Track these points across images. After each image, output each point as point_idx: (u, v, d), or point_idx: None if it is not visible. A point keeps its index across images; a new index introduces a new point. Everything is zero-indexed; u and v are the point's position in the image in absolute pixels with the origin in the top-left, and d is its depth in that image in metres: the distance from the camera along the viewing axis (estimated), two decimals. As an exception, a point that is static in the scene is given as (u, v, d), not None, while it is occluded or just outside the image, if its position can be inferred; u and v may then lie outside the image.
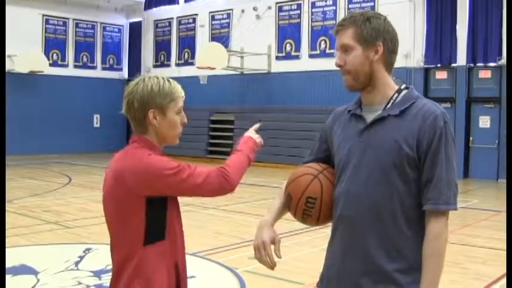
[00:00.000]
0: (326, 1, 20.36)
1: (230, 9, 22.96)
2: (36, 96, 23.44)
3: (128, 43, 27.21)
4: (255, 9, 21.78)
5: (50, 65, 23.52)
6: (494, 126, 17.01)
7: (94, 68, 25.96)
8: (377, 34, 2.40)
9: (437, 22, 17.88)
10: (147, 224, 2.45)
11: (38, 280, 6.30)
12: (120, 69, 27.00)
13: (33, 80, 23.18)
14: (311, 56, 20.69)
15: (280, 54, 21.56)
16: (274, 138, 20.43)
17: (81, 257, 7.17)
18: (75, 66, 25.28)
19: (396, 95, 2.44)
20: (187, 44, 24.65)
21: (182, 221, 2.64)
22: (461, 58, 17.46)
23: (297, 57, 21.10)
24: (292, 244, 8.15)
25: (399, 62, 17.67)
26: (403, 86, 2.48)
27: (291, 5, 21.29)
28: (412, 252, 2.36)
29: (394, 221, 2.35)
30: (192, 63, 23.36)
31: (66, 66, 24.97)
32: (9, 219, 9.15)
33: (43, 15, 24.17)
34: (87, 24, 25.75)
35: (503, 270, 6.73)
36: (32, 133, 23.02)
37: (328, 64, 18.94)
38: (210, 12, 23.74)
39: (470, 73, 17.49)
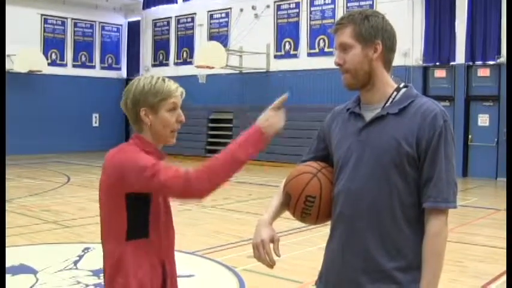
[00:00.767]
0: (324, 0, 20.35)
1: (229, 8, 22.94)
2: (35, 95, 23.43)
3: (126, 42, 27.20)
4: (253, 8, 21.78)
5: (49, 64, 23.50)
6: (493, 124, 17.01)
7: (93, 67, 25.94)
8: (376, 32, 2.40)
9: (436, 20, 17.87)
10: (128, 219, 2.48)
11: (37, 279, 6.30)
12: (119, 69, 26.98)
13: (31, 79, 23.17)
14: (310, 55, 20.68)
15: (278, 53, 21.56)
16: (273, 137, 20.40)
17: (80, 256, 7.17)
18: (74, 66, 25.26)
19: (395, 93, 2.44)
20: (186, 43, 24.64)
21: (173, 220, 2.65)
22: (460, 56, 17.46)
23: (295, 56, 21.09)
24: (291, 243, 8.15)
25: (398, 61, 17.74)
26: (401, 84, 2.48)
27: (290, 3, 21.28)
28: (412, 250, 2.36)
29: (393, 220, 2.35)
30: (190, 63, 23.36)
31: (65, 65, 24.95)
32: (8, 218, 9.14)
33: (41, 15, 24.15)
34: (85, 23, 25.73)
35: (503, 268, 6.74)
36: (30, 132, 23.00)
37: (327, 63, 18.96)
38: (209, 11, 23.72)
39: (469, 71, 17.49)
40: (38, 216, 10.33)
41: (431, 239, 2.33)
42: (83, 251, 7.51)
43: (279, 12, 21.55)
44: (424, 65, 18.18)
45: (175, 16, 25.05)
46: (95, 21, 26.02)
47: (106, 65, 26.47)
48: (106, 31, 26.56)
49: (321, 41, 20.35)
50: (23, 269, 6.73)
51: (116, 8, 26.51)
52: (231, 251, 7.91)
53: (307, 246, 8.08)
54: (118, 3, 26.30)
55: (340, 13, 19.12)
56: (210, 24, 23.73)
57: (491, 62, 16.97)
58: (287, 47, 21.33)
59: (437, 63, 17.98)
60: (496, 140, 16.84)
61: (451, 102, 17.32)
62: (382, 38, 2.41)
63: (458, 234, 9.03)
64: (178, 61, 24.83)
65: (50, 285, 6.13)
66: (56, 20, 24.69)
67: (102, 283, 2.68)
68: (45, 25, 24.37)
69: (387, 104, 2.42)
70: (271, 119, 2.49)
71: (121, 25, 27.07)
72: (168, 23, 25.42)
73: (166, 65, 25.29)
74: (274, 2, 21.62)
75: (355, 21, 2.40)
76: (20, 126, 22.35)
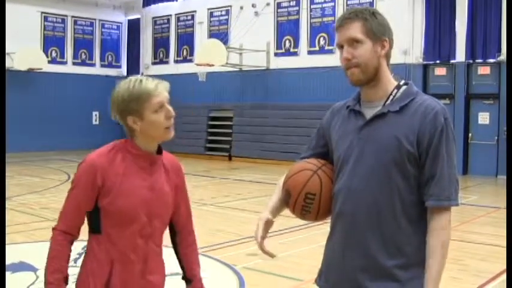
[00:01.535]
0: (325, -2, 20.34)
1: (229, 6, 22.92)
2: (35, 93, 23.40)
3: (126, 40, 27.16)
4: (253, 5, 21.75)
5: (49, 62, 23.47)
6: (494, 122, 16.99)
7: (93, 65, 25.91)
8: (384, 29, 2.42)
9: (436, 18, 17.85)
10: (88, 213, 2.57)
11: (37, 277, 6.30)
12: (119, 67, 26.95)
13: (31, 77, 23.15)
14: (310, 53, 20.65)
15: (279, 51, 21.53)
16: (273, 135, 20.43)
17: (80, 254, 7.08)
18: (74, 64, 25.23)
19: (396, 90, 2.44)
20: (186, 41, 24.62)
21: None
22: (460, 54, 17.44)
23: (295, 53, 21.07)
24: (290, 241, 8.15)
25: (398, 59, 17.73)
26: (402, 82, 2.47)
27: (290, 1, 21.25)
28: (412, 248, 2.36)
29: (393, 217, 2.35)
30: (190, 60, 23.33)
31: (65, 63, 24.92)
32: (8, 216, 9.13)
33: (41, 13, 24.12)
34: (85, 21, 25.70)
35: (503, 266, 6.73)
36: (30, 130, 22.98)
37: (327, 61, 18.97)
38: (209, 9, 23.69)
39: (469, 69, 17.47)
40: (38, 214, 10.32)
41: (434, 238, 2.33)
42: (82, 248, 7.46)
43: (279, 10, 21.52)
44: (424, 62, 18.15)
45: (175, 14, 25.02)
46: (95, 19, 25.99)
47: (106, 63, 26.44)
48: (106, 29, 26.54)
49: (321, 38, 20.32)
50: (23, 266, 6.73)
51: (116, 5, 26.48)
52: (231, 249, 7.91)
53: (307, 244, 8.07)
54: (118, 1, 26.27)
55: (340, 11, 19.09)
56: (210, 22, 23.70)
57: (491, 60, 16.95)
58: (287, 44, 21.31)
59: (438, 61, 17.96)
60: (496, 138, 16.83)
61: (451, 101, 17.30)
62: (388, 35, 2.43)
63: (459, 232, 9.02)
64: (178, 59, 24.80)
65: (50, 283, 6.12)
66: (56, 18, 24.66)
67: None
68: (45, 23, 24.35)
69: (388, 102, 2.42)
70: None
71: (121, 23, 27.04)
72: (168, 21, 25.39)
73: (166, 62, 25.27)
74: (274, -1, 21.62)
75: (364, 17, 2.40)
76: (20, 124, 22.32)
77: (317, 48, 20.45)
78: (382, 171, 2.35)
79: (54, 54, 24.53)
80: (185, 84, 23.53)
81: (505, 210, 10.10)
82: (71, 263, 2.62)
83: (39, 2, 23.73)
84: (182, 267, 2.85)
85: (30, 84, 23.27)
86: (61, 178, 15.70)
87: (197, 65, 20.70)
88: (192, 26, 24.38)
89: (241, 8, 22.14)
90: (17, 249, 7.62)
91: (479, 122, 17.39)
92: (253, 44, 21.41)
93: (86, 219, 2.60)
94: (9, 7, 19.10)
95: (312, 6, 20.63)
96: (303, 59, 20.69)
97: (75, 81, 24.67)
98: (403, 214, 2.35)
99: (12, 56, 21.95)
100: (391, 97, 2.42)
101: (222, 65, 20.55)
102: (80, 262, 2.66)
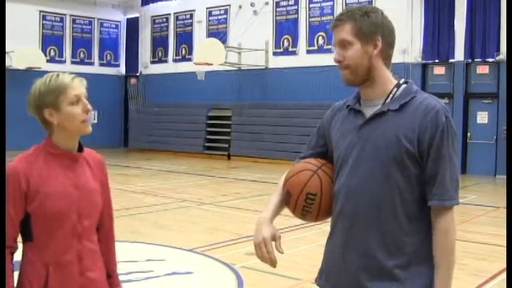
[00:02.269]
0: (324, -3, 20.33)
1: (227, 5, 22.91)
2: (34, 92, 23.39)
3: (125, 39, 27.14)
4: (252, 4, 21.74)
5: (47, 61, 23.42)
6: (492, 121, 17.00)
7: (91, 64, 25.89)
8: (376, 29, 2.38)
9: (435, 17, 17.85)
10: (21, 220, 2.54)
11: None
12: (118, 65, 26.93)
13: (30, 76, 22.66)
14: (308, 52, 20.65)
15: (277, 50, 21.53)
16: (272, 134, 20.42)
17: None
18: (73, 63, 25.19)
19: (395, 89, 2.42)
20: (185, 40, 24.60)
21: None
22: (459, 53, 17.45)
23: (294, 53, 21.07)
24: (290, 240, 8.13)
25: (397, 58, 17.71)
26: (402, 81, 2.46)
27: (289, 0, 21.25)
28: (413, 247, 2.35)
29: (394, 217, 2.34)
30: (189, 59, 23.33)
31: (64, 62, 24.89)
32: (6, 215, 9.12)
33: (40, 12, 24.10)
34: (84, 20, 25.68)
35: (502, 266, 6.73)
36: (29, 129, 22.90)
37: (326, 60, 18.95)
38: (207, 8, 23.68)
39: (468, 68, 17.48)
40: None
41: (441, 238, 2.34)
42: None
43: (277, 9, 21.52)
44: (423, 62, 18.16)
45: (174, 13, 25.01)
46: (93, 18, 25.97)
47: (105, 62, 26.43)
48: (105, 28, 26.52)
49: (320, 37, 20.32)
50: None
51: (115, 4, 26.46)
52: (229, 248, 7.90)
53: (306, 243, 8.07)
54: (117, 0, 26.25)
55: (339, 10, 19.08)
56: (209, 21, 23.69)
57: (490, 60, 16.96)
58: (286, 43, 21.31)
59: (437, 61, 17.97)
60: (495, 137, 16.84)
61: (450, 100, 17.31)
62: (382, 34, 2.39)
63: (458, 231, 8.81)
64: (177, 58, 24.79)
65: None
66: (55, 17, 24.64)
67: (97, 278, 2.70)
68: (44, 22, 24.33)
69: (387, 100, 2.40)
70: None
71: (120, 22, 27.02)
72: (167, 20, 25.38)
73: (165, 61, 25.26)
74: (273, -2, 21.62)
75: (354, 17, 2.38)
76: (20, 123, 22.25)
77: (316, 47, 20.45)
78: (382, 170, 2.34)
79: (52, 53, 24.51)
80: (184, 83, 23.54)
81: (504, 209, 10.11)
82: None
83: (37, 1, 23.71)
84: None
85: (29, 83, 22.80)
86: (59, 177, 15.66)
87: (196, 64, 20.70)
88: (191, 25, 24.38)
89: (240, 7, 22.14)
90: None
91: (478, 122, 17.40)
92: (252, 43, 21.40)
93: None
94: (8, 6, 19.01)
95: (310, 6, 20.64)
96: (302, 58, 20.69)
97: (73, 80, 24.64)
98: (403, 213, 2.34)
99: (11, 55, 21.92)
100: (391, 96, 2.41)
101: (221, 64, 20.55)
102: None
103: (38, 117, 2.62)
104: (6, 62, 21.58)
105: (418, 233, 2.36)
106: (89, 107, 2.62)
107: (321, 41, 20.32)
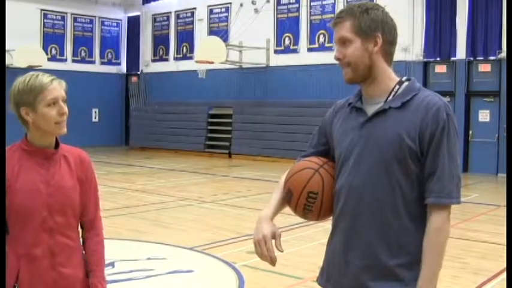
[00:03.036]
0: (325, -5, 20.31)
1: (228, 3, 22.89)
2: (34, 90, 23.39)
3: (126, 37, 27.14)
4: (253, 3, 21.72)
5: (49, 59, 23.42)
6: (494, 120, 16.98)
7: (92, 62, 25.90)
8: (376, 25, 2.36)
9: (437, 15, 17.82)
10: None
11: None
12: (119, 64, 26.94)
13: (31, 74, 23.10)
14: (310, 50, 20.64)
15: (278, 48, 21.52)
16: (273, 132, 20.41)
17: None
18: (74, 61, 25.21)
19: (397, 86, 2.40)
20: (186, 38, 24.59)
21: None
22: (461, 52, 17.43)
23: (295, 51, 21.06)
24: (291, 238, 8.12)
25: (398, 56, 17.65)
26: (404, 78, 2.44)
27: (290, -2, 21.24)
28: (415, 246, 2.32)
29: (396, 215, 2.32)
30: (190, 58, 23.32)
31: (65, 60, 24.90)
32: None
33: (41, 10, 24.10)
34: (85, 18, 25.68)
35: (503, 264, 6.71)
36: (30, 128, 22.96)
37: (327, 58, 18.91)
38: (209, 6, 23.67)
39: (470, 67, 17.45)
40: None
41: (432, 236, 2.30)
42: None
43: (279, 7, 21.50)
44: (425, 60, 18.14)
45: (175, 11, 25.00)
46: (94, 16, 25.96)
47: (106, 60, 26.43)
48: (106, 26, 26.51)
49: (321, 35, 20.31)
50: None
51: (116, 3, 26.45)
52: (230, 247, 7.89)
53: (307, 242, 8.06)
54: (117, -2, 26.28)
55: (340, 8, 18.92)
56: (210, 19, 23.68)
57: (492, 58, 16.93)
58: (287, 42, 21.29)
59: (438, 59, 17.94)
60: (496, 135, 16.82)
61: (451, 98, 17.27)
62: (382, 31, 2.37)
63: (459, 230, 9.00)
64: (178, 56, 24.78)
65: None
66: (56, 15, 24.64)
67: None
68: (45, 20, 24.33)
69: (389, 98, 2.38)
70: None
71: (121, 20, 27.01)
72: (168, 18, 25.37)
73: (166, 60, 25.25)
74: (274, -4, 21.60)
75: (354, 14, 2.37)
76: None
77: (317, 45, 20.43)
78: (384, 168, 2.32)
79: (53, 52, 24.52)
80: (185, 81, 23.54)
81: (505, 208, 10.09)
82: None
83: (38, -1, 23.71)
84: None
85: (30, 82, 23.21)
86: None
87: (197, 62, 20.68)
88: (192, 23, 24.36)
89: (241, 5, 22.11)
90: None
91: (480, 120, 17.37)
92: (253, 41, 21.38)
93: None
94: (9, 4, 19.03)
95: (311, 4, 20.61)
96: (303, 56, 20.68)
97: (74, 79, 24.56)
98: (405, 211, 2.32)
99: (12, 53, 21.91)
100: (393, 93, 2.39)
101: (222, 62, 20.53)
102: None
103: (16, 114, 2.67)
104: (8, 60, 21.59)
105: (421, 231, 2.32)
106: (65, 110, 2.65)
107: (322, 39, 20.30)
